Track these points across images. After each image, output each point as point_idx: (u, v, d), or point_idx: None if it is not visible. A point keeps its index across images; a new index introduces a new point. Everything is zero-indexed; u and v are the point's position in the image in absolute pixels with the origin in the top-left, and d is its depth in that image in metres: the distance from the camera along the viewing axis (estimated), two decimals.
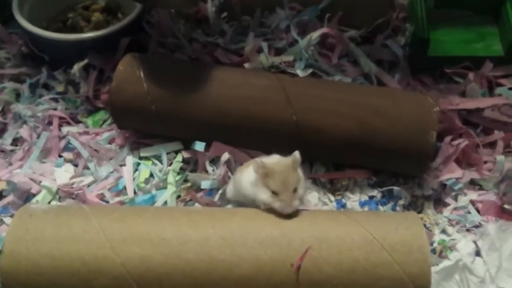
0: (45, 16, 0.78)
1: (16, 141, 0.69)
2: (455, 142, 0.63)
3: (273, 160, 0.53)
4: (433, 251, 0.56)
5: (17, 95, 0.74)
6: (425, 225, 0.59)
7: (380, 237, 0.48)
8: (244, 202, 0.53)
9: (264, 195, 0.50)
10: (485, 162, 0.63)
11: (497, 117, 0.67)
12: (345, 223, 0.49)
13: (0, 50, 0.78)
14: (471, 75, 0.69)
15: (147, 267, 0.48)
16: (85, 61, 0.70)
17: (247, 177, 0.53)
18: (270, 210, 0.49)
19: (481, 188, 0.62)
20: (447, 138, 0.63)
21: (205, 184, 0.60)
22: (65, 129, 0.70)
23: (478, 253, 0.56)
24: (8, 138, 0.69)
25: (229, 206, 0.57)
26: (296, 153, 0.51)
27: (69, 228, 0.50)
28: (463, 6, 0.76)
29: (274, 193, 0.50)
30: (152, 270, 0.48)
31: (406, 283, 0.46)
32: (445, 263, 0.54)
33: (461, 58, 0.70)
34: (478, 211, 0.59)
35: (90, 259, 0.48)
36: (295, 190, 0.50)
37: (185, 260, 0.48)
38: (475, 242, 0.56)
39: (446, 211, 0.60)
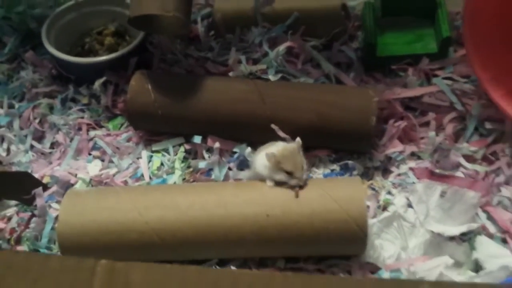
0: (67, 41, 0.87)
1: (53, 145, 0.79)
2: (397, 124, 0.73)
3: (280, 147, 0.62)
4: (379, 207, 0.67)
5: (51, 108, 0.82)
6: (374, 189, 0.70)
7: (330, 192, 0.60)
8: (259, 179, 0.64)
9: (280, 176, 0.60)
10: (422, 138, 0.73)
11: (432, 102, 0.76)
12: (307, 185, 0.61)
13: (34, 73, 0.86)
14: (410, 70, 0.78)
15: (165, 223, 0.59)
16: (104, 78, 0.79)
17: (261, 162, 0.62)
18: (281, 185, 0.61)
19: (419, 158, 0.72)
20: (391, 121, 0.74)
21: (202, 164, 0.71)
22: (92, 133, 0.79)
23: (410, 206, 0.66)
24: (47, 143, 0.78)
25: None
26: (298, 139, 0.63)
27: (106, 200, 0.61)
28: (406, 13, 0.84)
29: (289, 173, 0.61)
30: (168, 226, 0.59)
31: (350, 223, 0.58)
32: (385, 214, 0.64)
33: (404, 56, 0.80)
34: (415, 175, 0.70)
35: (123, 221, 0.59)
36: (302, 168, 0.61)
37: (191, 217, 0.59)
38: (407, 198, 0.67)
39: (391, 177, 0.70)
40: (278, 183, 0.62)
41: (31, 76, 0.86)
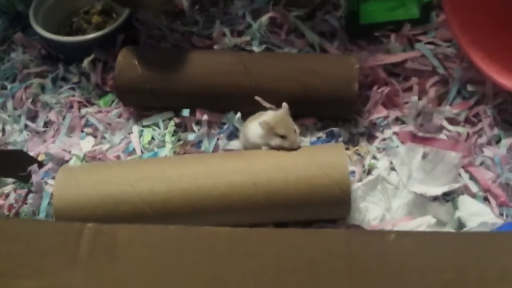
0: (55, 22, 0.88)
1: (46, 124, 0.80)
2: (381, 90, 0.74)
3: (271, 114, 0.65)
4: (364, 171, 0.69)
5: (43, 88, 0.84)
6: (360, 154, 0.71)
7: (314, 159, 0.61)
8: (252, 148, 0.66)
9: (275, 141, 0.63)
10: (406, 103, 0.74)
11: (415, 67, 0.77)
12: (292, 153, 0.63)
13: (24, 54, 0.88)
14: (392, 36, 0.79)
15: (156, 195, 0.60)
16: (92, 56, 0.80)
17: (255, 131, 0.65)
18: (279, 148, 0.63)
19: (403, 122, 0.73)
20: (375, 87, 0.75)
21: (191, 137, 0.72)
22: (84, 110, 0.80)
23: (393, 169, 0.68)
24: (40, 122, 0.80)
25: None
26: (285, 104, 0.65)
27: (99, 174, 0.63)
28: None
29: (283, 137, 0.63)
30: (159, 197, 0.60)
31: (333, 187, 0.60)
32: (369, 177, 0.66)
33: (387, 23, 0.80)
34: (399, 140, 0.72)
35: (115, 193, 0.61)
36: (295, 131, 0.64)
37: (181, 188, 0.61)
38: (390, 161, 0.69)
39: (376, 142, 0.72)
40: (274, 148, 0.64)
41: (21, 57, 0.88)
